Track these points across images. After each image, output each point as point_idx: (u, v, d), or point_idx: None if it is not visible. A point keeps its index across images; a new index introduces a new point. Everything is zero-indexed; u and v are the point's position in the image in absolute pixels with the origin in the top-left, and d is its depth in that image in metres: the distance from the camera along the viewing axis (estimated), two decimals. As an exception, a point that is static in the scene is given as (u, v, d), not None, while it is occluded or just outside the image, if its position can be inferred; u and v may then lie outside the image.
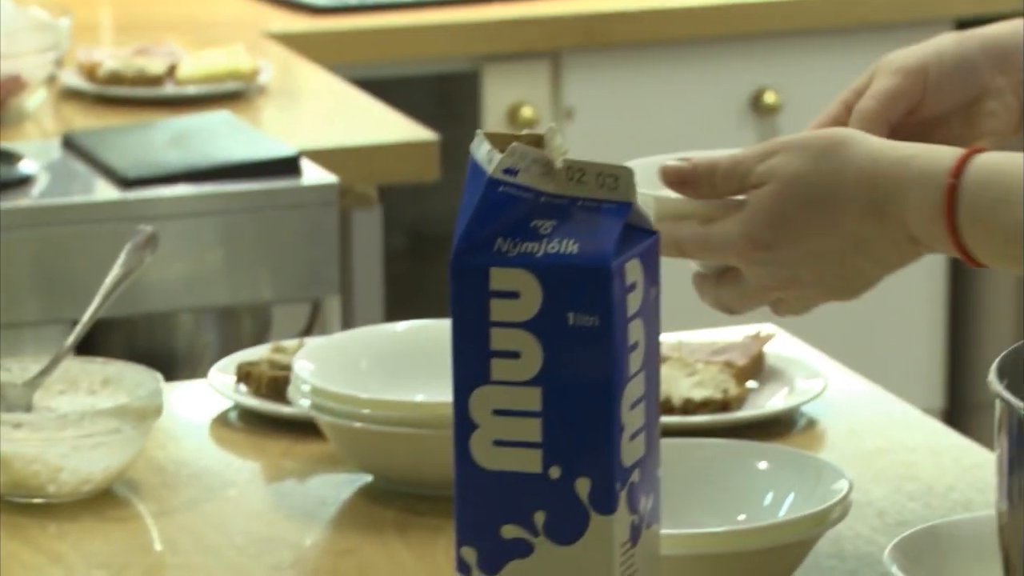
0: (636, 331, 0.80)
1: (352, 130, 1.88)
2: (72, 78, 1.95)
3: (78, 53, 1.95)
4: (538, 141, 0.81)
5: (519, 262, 0.78)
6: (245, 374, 1.24)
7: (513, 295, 0.78)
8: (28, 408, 1.14)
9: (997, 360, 0.75)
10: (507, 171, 0.79)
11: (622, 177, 0.79)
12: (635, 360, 0.80)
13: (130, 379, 1.16)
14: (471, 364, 0.80)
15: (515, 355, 0.79)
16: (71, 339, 1.17)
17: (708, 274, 1.00)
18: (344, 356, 1.21)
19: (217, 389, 1.24)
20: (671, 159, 1.05)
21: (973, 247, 0.91)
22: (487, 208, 0.80)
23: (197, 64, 1.94)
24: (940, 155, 0.93)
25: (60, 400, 1.17)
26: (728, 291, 0.99)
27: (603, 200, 0.79)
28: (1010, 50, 1.11)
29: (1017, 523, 0.77)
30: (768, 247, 0.94)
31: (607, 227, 0.79)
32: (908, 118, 1.09)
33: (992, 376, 0.75)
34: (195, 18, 2.17)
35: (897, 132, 1.07)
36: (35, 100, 1.87)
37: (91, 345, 1.30)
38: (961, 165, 0.90)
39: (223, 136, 1.75)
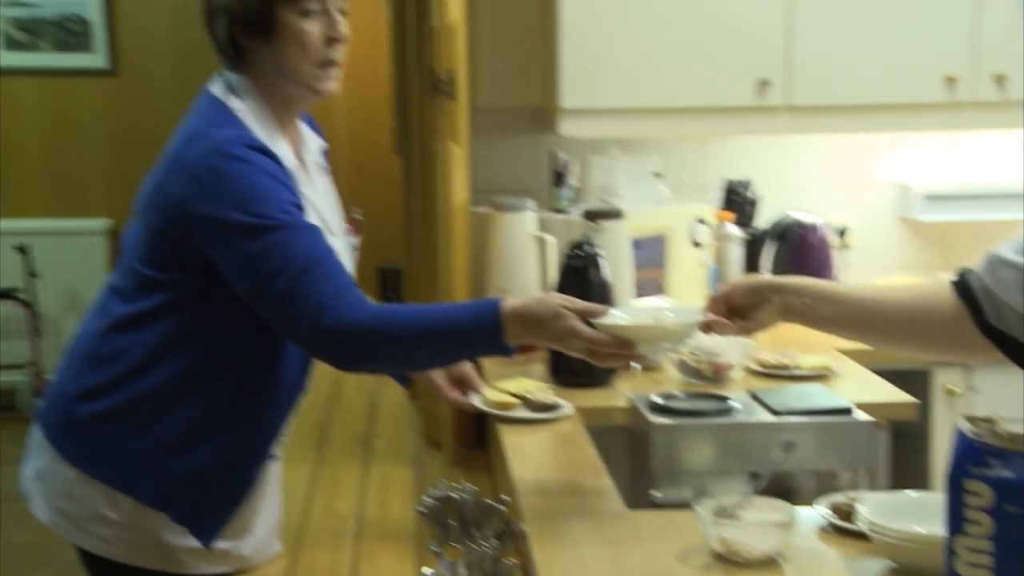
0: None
1: (868, 394, 2.84)
2: (751, 364, 3.07)
3: (756, 354, 3.07)
4: (990, 422, 1.40)
5: (979, 477, 1.38)
6: (834, 507, 2.04)
7: (978, 494, 1.38)
8: (737, 517, 1.92)
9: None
10: (976, 435, 1.39)
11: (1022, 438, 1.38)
12: None
13: (770, 504, 1.95)
14: (954, 512, 1.41)
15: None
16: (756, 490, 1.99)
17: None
18: (883, 504, 1.92)
19: (820, 512, 2.04)
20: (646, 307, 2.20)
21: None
22: (964, 451, 1.40)
23: (805, 360, 3.07)
24: None
25: (757, 514, 1.94)
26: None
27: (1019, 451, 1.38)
28: (780, 286, 2.03)
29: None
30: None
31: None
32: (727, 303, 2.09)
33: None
34: (811, 343, 3.04)
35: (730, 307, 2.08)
36: (736, 373, 3.01)
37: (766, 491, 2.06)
38: None
39: (818, 395, 2.74)
